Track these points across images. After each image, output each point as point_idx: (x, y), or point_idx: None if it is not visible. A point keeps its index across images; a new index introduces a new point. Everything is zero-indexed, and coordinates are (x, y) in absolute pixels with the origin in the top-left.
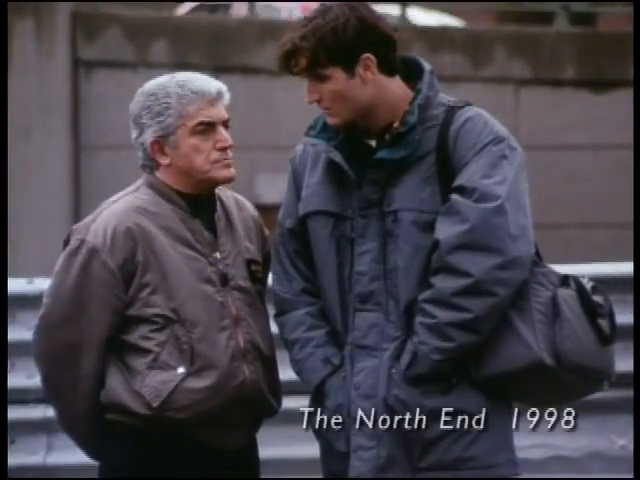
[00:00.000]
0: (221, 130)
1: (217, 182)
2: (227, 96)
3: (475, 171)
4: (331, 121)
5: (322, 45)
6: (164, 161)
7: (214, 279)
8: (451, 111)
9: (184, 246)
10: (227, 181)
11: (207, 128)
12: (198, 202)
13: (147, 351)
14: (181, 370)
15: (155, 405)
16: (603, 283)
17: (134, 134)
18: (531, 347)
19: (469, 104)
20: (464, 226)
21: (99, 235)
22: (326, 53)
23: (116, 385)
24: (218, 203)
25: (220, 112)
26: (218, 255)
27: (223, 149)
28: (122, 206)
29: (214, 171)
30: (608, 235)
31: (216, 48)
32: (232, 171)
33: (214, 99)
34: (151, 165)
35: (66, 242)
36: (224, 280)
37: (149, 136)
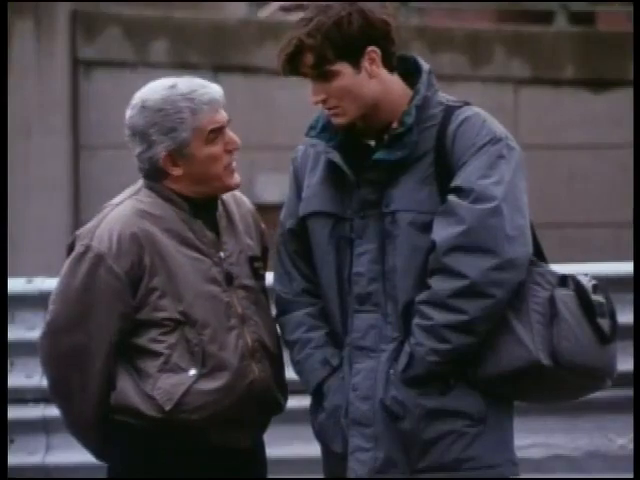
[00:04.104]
0: (228, 132)
1: (229, 190)
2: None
3: (472, 172)
4: (337, 121)
5: (328, 41)
6: (176, 172)
7: (219, 279)
8: (449, 111)
9: (188, 248)
10: (237, 187)
11: (217, 133)
12: (200, 203)
13: (158, 354)
14: (193, 372)
15: (167, 408)
16: (603, 283)
17: (139, 149)
18: (528, 348)
19: (468, 103)
20: (460, 227)
21: (104, 240)
22: (333, 49)
23: (127, 388)
24: (219, 202)
25: (224, 115)
26: (222, 254)
27: (232, 151)
28: (125, 210)
29: (226, 177)
30: (608, 235)
31: (215, 48)
32: (238, 177)
33: (220, 104)
34: (159, 176)
35: (70, 247)
36: (229, 279)
37: (160, 151)
